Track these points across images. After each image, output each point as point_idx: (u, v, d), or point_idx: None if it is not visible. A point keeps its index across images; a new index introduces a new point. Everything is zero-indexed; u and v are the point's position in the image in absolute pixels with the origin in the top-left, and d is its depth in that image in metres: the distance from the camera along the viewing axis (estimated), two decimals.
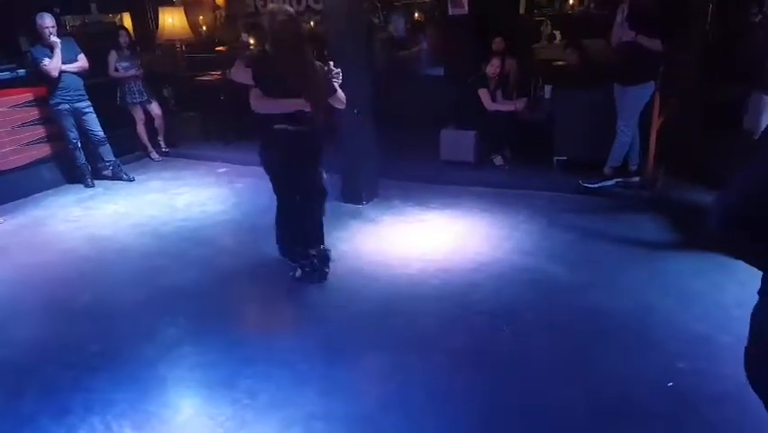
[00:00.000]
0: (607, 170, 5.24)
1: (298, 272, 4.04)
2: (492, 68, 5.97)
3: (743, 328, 3.13)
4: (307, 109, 3.55)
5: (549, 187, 5.43)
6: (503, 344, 3.24)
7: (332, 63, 3.71)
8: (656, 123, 5.00)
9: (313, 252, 4.00)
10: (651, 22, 4.63)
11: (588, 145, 5.46)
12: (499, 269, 4.05)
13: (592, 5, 10.75)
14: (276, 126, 3.57)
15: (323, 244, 4.10)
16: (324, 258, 4.07)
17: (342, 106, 3.84)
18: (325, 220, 4.44)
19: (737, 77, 5.00)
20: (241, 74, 3.59)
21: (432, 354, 3.18)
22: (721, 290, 3.54)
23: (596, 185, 5.21)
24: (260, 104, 3.57)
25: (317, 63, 3.69)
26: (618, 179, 5.23)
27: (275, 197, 4.01)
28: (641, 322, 3.31)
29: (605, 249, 4.26)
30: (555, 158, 5.72)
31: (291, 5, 7.81)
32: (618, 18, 4.82)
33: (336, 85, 3.72)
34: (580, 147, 5.55)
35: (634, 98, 4.92)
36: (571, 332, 3.29)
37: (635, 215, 4.78)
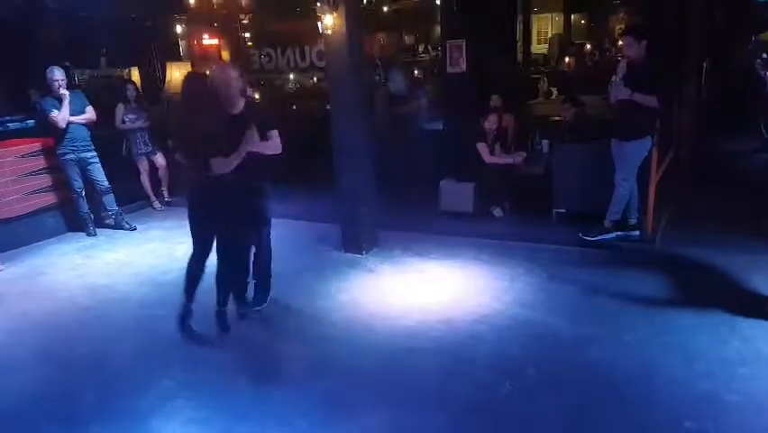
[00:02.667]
0: (606, 223, 5.25)
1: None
2: (489, 123, 6.10)
3: (749, 387, 3.10)
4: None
5: (548, 239, 5.43)
6: (504, 400, 3.18)
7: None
8: (654, 177, 5.06)
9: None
10: (646, 79, 4.74)
11: (586, 198, 5.50)
12: (500, 321, 4.02)
13: (588, 64, 11.09)
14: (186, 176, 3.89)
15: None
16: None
17: (272, 152, 3.97)
18: (326, 270, 4.41)
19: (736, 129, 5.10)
20: None
21: (432, 409, 3.12)
22: (725, 346, 3.50)
23: (596, 238, 5.21)
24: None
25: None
26: (618, 233, 5.24)
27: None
28: (644, 379, 3.26)
29: (606, 303, 4.23)
30: (554, 210, 5.76)
31: (296, 62, 8.03)
32: (614, 78, 4.93)
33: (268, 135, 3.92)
34: (579, 200, 5.60)
35: (631, 153, 4.98)
36: (573, 388, 3.24)
37: (636, 268, 4.77)
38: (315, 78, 8.67)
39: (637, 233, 5.24)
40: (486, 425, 3.01)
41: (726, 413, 2.89)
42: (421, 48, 11.60)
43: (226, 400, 3.30)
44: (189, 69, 8.43)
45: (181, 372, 3.63)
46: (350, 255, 5.37)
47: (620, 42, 5.54)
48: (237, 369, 3.72)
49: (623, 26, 10.04)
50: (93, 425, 3.13)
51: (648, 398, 3.10)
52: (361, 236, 5.43)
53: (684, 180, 5.73)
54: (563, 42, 12.82)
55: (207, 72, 3.99)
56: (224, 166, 3.70)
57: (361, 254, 5.39)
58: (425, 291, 4.60)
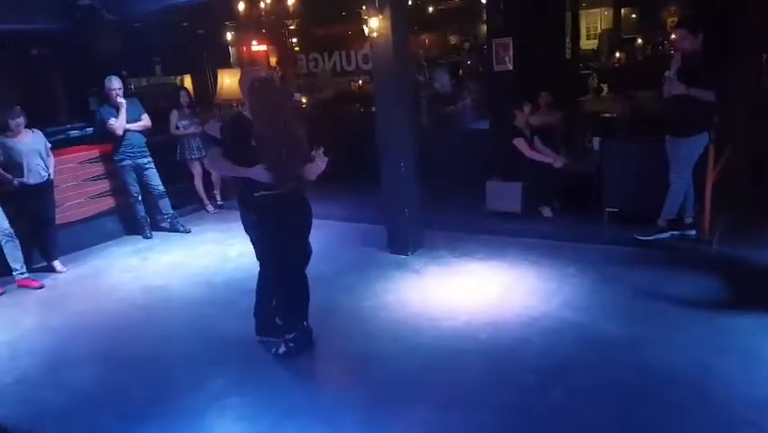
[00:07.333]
0: (661, 222, 5.08)
1: (282, 349, 3.77)
2: (520, 118, 5.98)
3: None
4: (263, 180, 3.36)
5: (600, 239, 5.30)
6: (553, 403, 3.12)
7: (321, 151, 3.54)
8: (711, 175, 4.86)
9: (301, 324, 3.83)
10: (703, 73, 4.57)
11: (640, 197, 5.33)
12: (549, 324, 3.94)
13: (640, 59, 10.76)
14: (256, 194, 3.44)
15: (307, 319, 3.90)
16: (309, 334, 3.90)
17: (311, 177, 3.61)
18: (371, 270, 4.38)
19: None
20: (212, 129, 3.72)
21: (477, 411, 3.09)
22: None
23: (650, 237, 5.05)
24: (217, 165, 3.67)
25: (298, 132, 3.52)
26: (674, 232, 5.06)
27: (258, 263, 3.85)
28: (701, 383, 3.14)
29: (660, 304, 4.09)
30: (606, 209, 5.60)
31: (342, 66, 8.11)
32: (668, 72, 4.78)
33: (318, 161, 3.54)
34: (632, 199, 5.43)
35: (686, 150, 4.81)
36: (624, 392, 3.15)
37: (692, 269, 4.59)
38: (360, 82, 8.73)
39: (694, 232, 5.04)
40: (532, 427, 2.96)
41: None
42: (467, 46, 11.54)
43: (274, 398, 3.36)
44: (239, 75, 8.66)
45: (232, 370, 3.72)
46: (395, 256, 5.38)
47: (672, 36, 5.36)
48: (285, 367, 3.77)
49: (675, 20, 9.69)
50: (147, 421, 3.25)
51: (704, 402, 2.99)
52: (407, 237, 5.42)
53: (743, 178, 5.47)
54: (613, 37, 12.50)
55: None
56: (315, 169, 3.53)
57: (407, 255, 5.38)
58: (472, 293, 4.55)
